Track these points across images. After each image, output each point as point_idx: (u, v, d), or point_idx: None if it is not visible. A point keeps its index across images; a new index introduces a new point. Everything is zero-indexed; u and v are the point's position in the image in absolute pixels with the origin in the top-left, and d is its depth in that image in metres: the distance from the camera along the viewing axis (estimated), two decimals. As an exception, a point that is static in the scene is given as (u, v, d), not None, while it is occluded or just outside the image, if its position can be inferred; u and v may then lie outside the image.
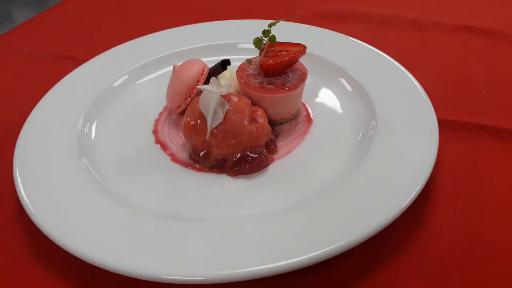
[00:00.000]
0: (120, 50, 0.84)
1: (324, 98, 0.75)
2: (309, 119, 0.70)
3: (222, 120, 0.60)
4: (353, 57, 0.79)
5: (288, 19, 1.01)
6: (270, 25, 0.65)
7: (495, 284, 0.49)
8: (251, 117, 0.62)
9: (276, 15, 1.02)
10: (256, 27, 0.86)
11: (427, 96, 0.68)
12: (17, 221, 0.58)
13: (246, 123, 0.61)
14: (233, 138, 0.60)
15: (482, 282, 0.49)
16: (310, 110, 0.72)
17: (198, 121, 0.61)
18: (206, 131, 0.60)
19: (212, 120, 0.59)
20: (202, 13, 1.07)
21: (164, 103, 0.74)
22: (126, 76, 0.79)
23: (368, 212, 0.52)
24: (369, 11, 1.03)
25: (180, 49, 0.85)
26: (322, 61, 0.79)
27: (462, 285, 0.49)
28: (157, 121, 0.72)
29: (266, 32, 0.66)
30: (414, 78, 0.72)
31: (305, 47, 0.65)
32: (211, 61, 0.79)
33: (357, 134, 0.66)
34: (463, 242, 0.53)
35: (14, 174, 0.59)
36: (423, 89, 0.69)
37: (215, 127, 0.60)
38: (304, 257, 0.47)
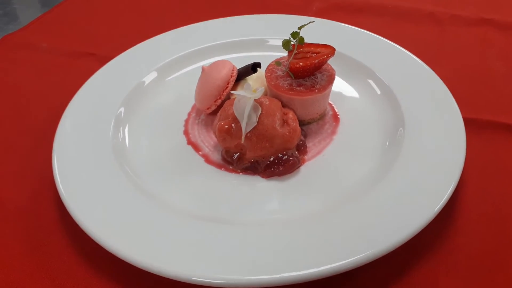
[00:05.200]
0: (145, 47, 0.85)
1: (348, 96, 0.76)
2: (336, 119, 0.72)
3: (256, 124, 0.61)
4: (379, 56, 0.79)
5: (305, 12, 1.02)
6: (299, 27, 0.65)
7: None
8: (283, 119, 0.64)
9: (292, 8, 1.04)
10: (280, 22, 0.88)
11: (453, 98, 0.69)
12: (60, 224, 0.60)
13: (278, 126, 0.62)
14: (267, 141, 0.62)
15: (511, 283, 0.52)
16: (336, 109, 0.73)
17: (233, 125, 0.62)
18: (240, 135, 0.62)
19: (247, 124, 0.61)
20: (217, 6, 1.07)
21: (191, 102, 0.76)
22: (155, 74, 0.80)
23: (402, 216, 0.54)
24: (385, 3, 1.03)
25: (205, 45, 0.85)
26: (343, 58, 0.80)
27: (492, 286, 0.51)
28: (186, 121, 0.73)
29: (294, 34, 0.66)
30: (439, 78, 0.73)
31: (334, 49, 0.66)
32: (237, 57, 0.81)
33: (385, 133, 0.67)
34: (491, 243, 0.56)
35: (55, 177, 0.60)
36: (449, 92, 0.70)
37: (249, 131, 0.61)
38: (343, 262, 0.49)
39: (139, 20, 1.04)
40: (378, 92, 0.75)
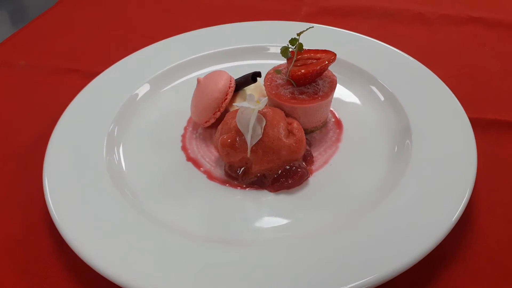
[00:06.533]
0: (133, 60, 0.81)
1: (347, 101, 0.74)
2: (339, 125, 0.69)
3: (261, 136, 0.58)
4: (377, 60, 0.78)
5: (294, 17, 1.00)
6: (298, 34, 0.63)
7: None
8: (288, 130, 0.61)
9: (281, 14, 1.02)
10: (272, 29, 0.86)
11: (456, 100, 0.67)
12: (57, 254, 0.55)
13: (284, 137, 0.59)
14: (273, 153, 0.59)
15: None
16: (337, 115, 0.71)
17: (237, 138, 0.59)
18: (245, 148, 0.59)
19: (252, 137, 0.58)
20: (204, 14, 1.04)
21: (186, 115, 0.72)
22: (146, 88, 0.76)
23: (422, 226, 0.51)
24: (374, 5, 1.02)
25: (195, 56, 0.82)
26: (339, 62, 0.77)
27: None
28: (183, 136, 0.69)
29: (293, 40, 0.64)
30: (440, 79, 0.71)
31: (335, 54, 0.64)
32: (231, 67, 0.78)
33: (391, 138, 0.65)
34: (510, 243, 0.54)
35: (48, 205, 0.56)
36: (452, 93, 0.69)
37: (254, 144, 0.58)
38: (366, 279, 0.46)
39: (122, 32, 1.00)
40: (380, 96, 0.72)
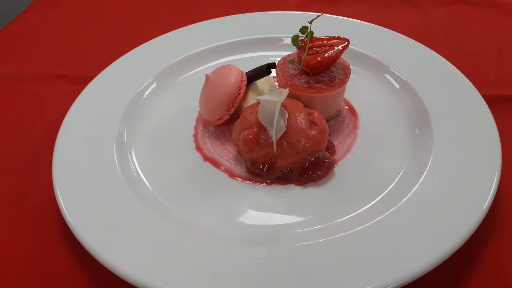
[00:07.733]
0: (128, 61, 0.76)
1: (357, 87, 0.73)
2: (353, 112, 0.68)
3: (285, 129, 0.56)
4: (382, 45, 0.77)
5: (283, 6, 0.98)
6: (310, 22, 0.61)
7: None
8: (309, 120, 0.59)
9: (269, 5, 0.99)
10: (268, 19, 0.84)
11: (467, 79, 0.68)
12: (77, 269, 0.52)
13: (307, 128, 0.58)
14: (299, 145, 0.57)
15: None
16: (350, 102, 0.70)
17: (260, 133, 0.57)
18: (269, 143, 0.56)
19: (275, 130, 0.56)
20: (188, 9, 1.00)
21: (194, 114, 0.69)
22: (150, 88, 0.73)
23: (460, 211, 0.50)
24: (363, -9, 1.02)
25: (191, 52, 0.79)
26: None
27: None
28: (195, 136, 0.66)
29: (304, 29, 0.62)
30: (447, 60, 0.72)
31: (348, 40, 0.63)
32: (232, 60, 0.75)
33: (409, 121, 0.65)
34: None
35: (68, 222, 0.52)
36: (461, 73, 0.69)
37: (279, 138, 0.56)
38: (414, 270, 0.45)
39: (105, 32, 0.95)
40: (391, 80, 0.72)
